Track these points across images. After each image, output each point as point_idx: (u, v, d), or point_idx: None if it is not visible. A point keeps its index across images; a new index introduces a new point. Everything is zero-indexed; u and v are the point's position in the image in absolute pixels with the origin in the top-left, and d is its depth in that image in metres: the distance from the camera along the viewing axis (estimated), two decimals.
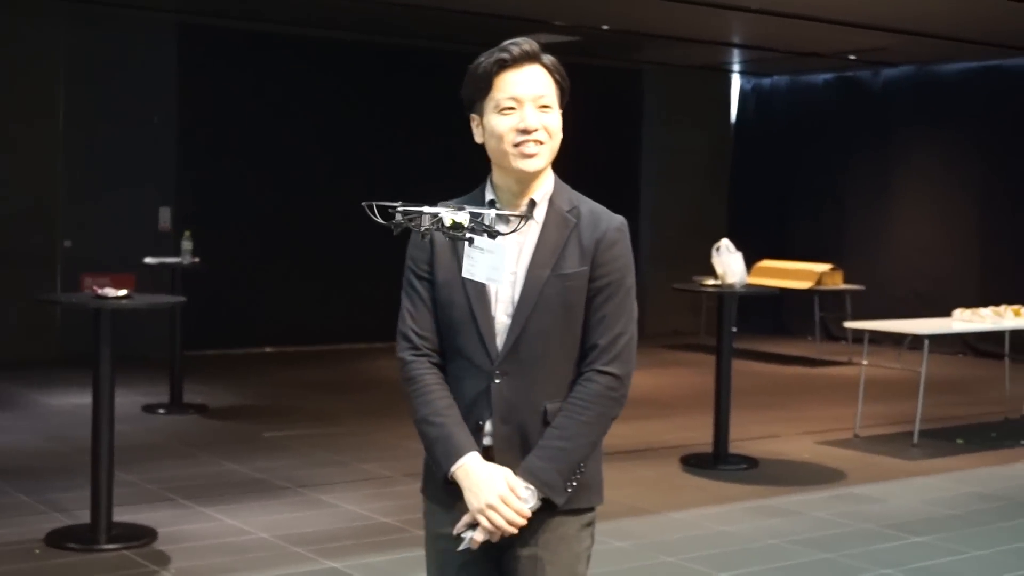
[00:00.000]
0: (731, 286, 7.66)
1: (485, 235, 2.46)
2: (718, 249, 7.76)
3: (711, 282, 7.86)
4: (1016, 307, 9.27)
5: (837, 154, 14.65)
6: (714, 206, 15.35)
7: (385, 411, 8.98)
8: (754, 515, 6.44)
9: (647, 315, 13.61)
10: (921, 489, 7.16)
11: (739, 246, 7.86)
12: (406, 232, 2.53)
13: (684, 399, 10.07)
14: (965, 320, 9.08)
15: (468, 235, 2.47)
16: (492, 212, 2.46)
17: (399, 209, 2.46)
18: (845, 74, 14.68)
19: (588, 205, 2.64)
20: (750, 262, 9.38)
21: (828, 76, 14.93)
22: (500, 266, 2.50)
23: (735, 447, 7.75)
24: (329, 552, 5.53)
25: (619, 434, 8.11)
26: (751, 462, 7.65)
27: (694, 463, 7.60)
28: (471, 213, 2.47)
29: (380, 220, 2.48)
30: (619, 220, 2.65)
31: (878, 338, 9.39)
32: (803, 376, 11.98)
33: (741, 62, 14.76)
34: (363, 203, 2.55)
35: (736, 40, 12.99)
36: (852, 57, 13.40)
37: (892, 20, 10.94)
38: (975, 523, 6.36)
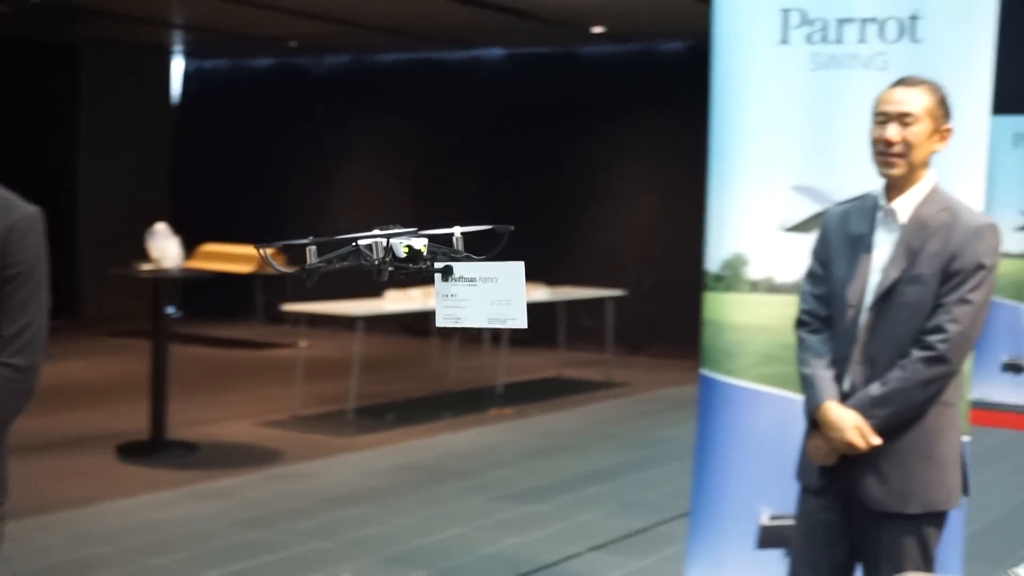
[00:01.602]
0: (166, 271, 7.60)
1: (463, 261, 1.80)
2: (153, 233, 7.67)
3: (147, 267, 7.74)
4: None
5: (279, 139, 14.88)
6: (155, 189, 15.03)
7: None
8: (190, 500, 6.44)
9: (84, 302, 13.11)
10: (353, 464, 7.47)
11: (181, 229, 7.81)
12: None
13: (123, 387, 9.83)
14: (396, 301, 9.56)
15: (438, 265, 1.80)
16: (458, 230, 1.85)
17: (310, 246, 1.78)
18: (288, 60, 14.93)
19: (1, 194, 2.54)
20: (193, 245, 9.32)
21: (270, 61, 15.12)
22: (515, 298, 1.76)
23: (175, 433, 7.69)
24: None
25: (51, 426, 7.86)
26: (190, 447, 7.62)
27: (130, 452, 7.46)
28: (429, 236, 1.81)
29: (278, 269, 1.82)
30: (32, 210, 2.58)
31: (321, 320, 9.66)
32: (246, 359, 12.08)
33: (184, 43, 14.59)
34: (257, 247, 1.83)
35: (176, 21, 12.83)
36: (293, 44, 13.65)
37: (331, 9, 11.27)
38: (400, 493, 6.73)
